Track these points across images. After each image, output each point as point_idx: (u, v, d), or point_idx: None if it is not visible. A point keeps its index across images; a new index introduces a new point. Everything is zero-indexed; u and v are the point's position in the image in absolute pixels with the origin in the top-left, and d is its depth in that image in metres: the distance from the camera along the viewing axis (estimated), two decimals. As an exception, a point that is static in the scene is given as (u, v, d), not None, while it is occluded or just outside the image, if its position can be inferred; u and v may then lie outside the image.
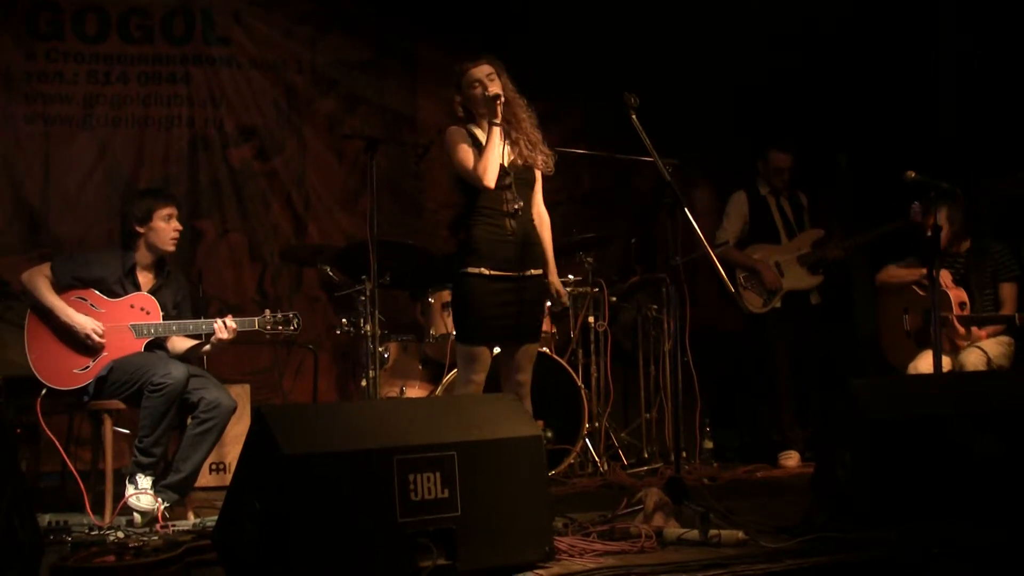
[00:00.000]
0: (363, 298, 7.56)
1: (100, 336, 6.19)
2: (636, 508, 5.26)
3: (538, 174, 5.99)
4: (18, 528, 4.06)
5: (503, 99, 5.74)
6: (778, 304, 8.31)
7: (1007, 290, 7.35)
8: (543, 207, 6.09)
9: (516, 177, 5.83)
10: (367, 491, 4.14)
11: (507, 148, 5.86)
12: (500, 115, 5.73)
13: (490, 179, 5.69)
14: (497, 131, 5.71)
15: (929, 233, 6.63)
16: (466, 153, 5.78)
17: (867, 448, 5.17)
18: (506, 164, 5.81)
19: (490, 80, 5.80)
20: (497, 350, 5.97)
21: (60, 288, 6.26)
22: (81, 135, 8.92)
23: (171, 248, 6.51)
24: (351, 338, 8.01)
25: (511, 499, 4.47)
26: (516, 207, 5.78)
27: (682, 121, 8.38)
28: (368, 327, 7.35)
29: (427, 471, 4.24)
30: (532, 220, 5.94)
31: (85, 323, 6.18)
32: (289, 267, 9.23)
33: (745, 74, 9.35)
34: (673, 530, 4.95)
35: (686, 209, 5.38)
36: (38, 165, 8.79)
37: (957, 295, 7.35)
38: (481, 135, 5.83)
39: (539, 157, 5.93)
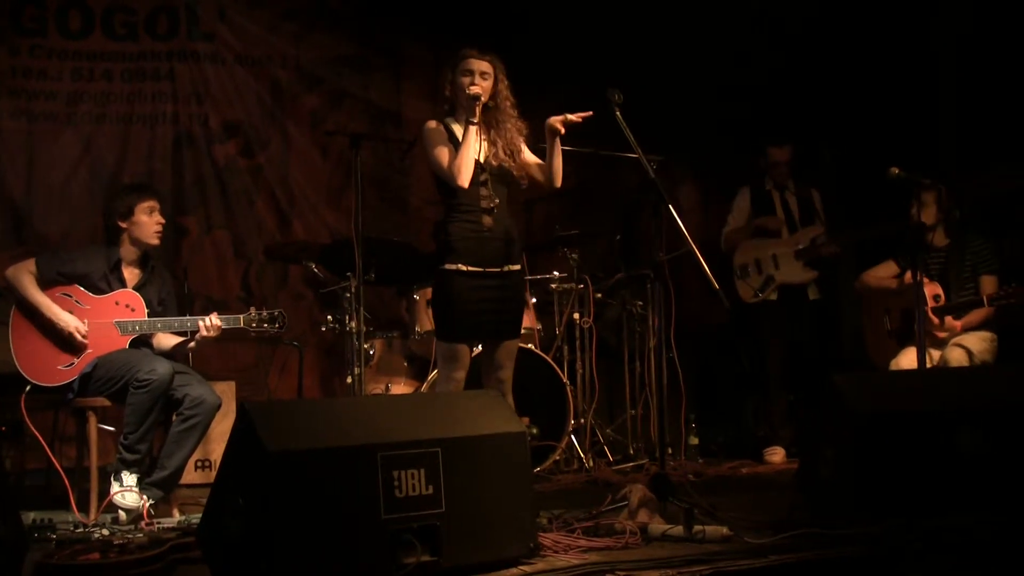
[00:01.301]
0: (348, 295, 7.54)
1: (83, 336, 6.18)
2: (621, 504, 5.27)
3: (522, 167, 5.95)
4: (1, 525, 4.04)
5: (482, 102, 5.71)
6: (774, 297, 8.33)
7: (987, 282, 7.33)
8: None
9: (491, 174, 5.81)
10: (351, 488, 4.14)
11: (485, 145, 5.84)
12: (478, 115, 5.70)
13: (464, 179, 5.67)
14: (473, 131, 5.67)
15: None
16: (442, 151, 5.76)
17: (851, 444, 5.20)
18: (482, 160, 5.79)
19: (483, 78, 5.77)
20: (478, 349, 5.97)
21: (45, 284, 6.24)
22: (65, 132, 8.89)
23: (155, 241, 6.50)
24: (336, 335, 8.01)
25: (495, 495, 4.48)
26: (492, 204, 5.77)
27: (667, 118, 8.38)
28: (353, 324, 7.34)
29: (411, 468, 4.26)
30: (510, 217, 5.91)
31: (69, 321, 6.17)
32: (274, 264, 9.21)
33: (730, 69, 9.34)
34: (658, 526, 4.96)
35: (670, 206, 5.37)
36: (22, 162, 8.76)
37: (932, 289, 7.36)
38: (458, 130, 5.81)
39: (514, 170, 5.90)
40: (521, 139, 5.94)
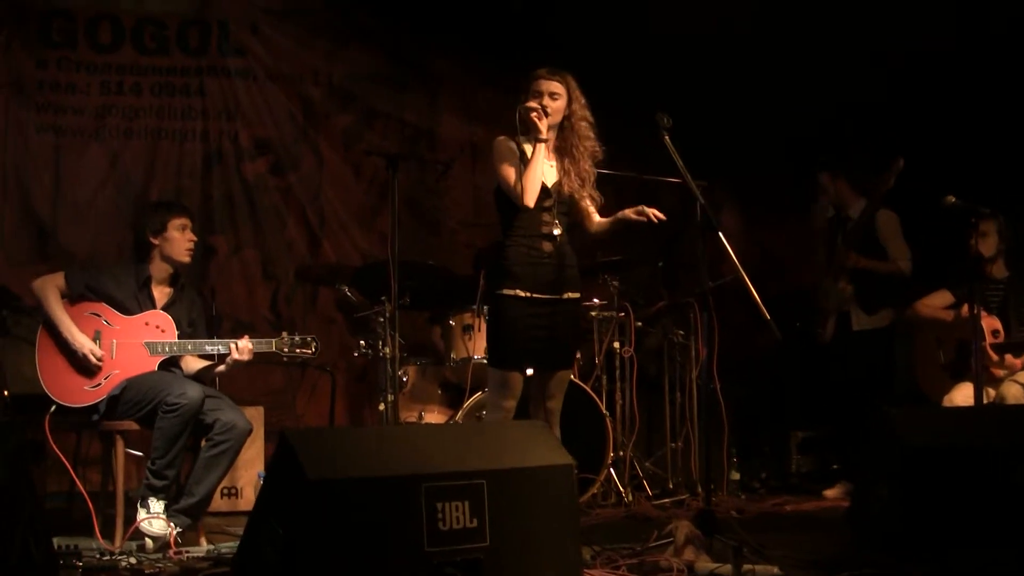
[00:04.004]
0: (381, 319, 7.39)
1: (98, 359, 6.05)
2: (666, 541, 5.19)
3: (585, 206, 5.79)
4: (34, 550, 4.07)
5: (542, 116, 5.54)
6: (831, 329, 8.16)
7: (1050, 319, 7.21)
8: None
9: (558, 201, 5.65)
10: (394, 519, 4.08)
11: (555, 172, 5.69)
12: (544, 131, 5.55)
13: (529, 198, 5.52)
14: (541, 148, 5.55)
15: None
16: (509, 168, 5.60)
17: (904, 479, 5.09)
18: (549, 186, 5.64)
19: (553, 99, 5.61)
20: (530, 372, 5.79)
21: (73, 299, 6.16)
22: (92, 146, 8.86)
23: (186, 259, 6.41)
24: (368, 360, 7.86)
25: (541, 529, 4.42)
26: (555, 231, 5.61)
27: (709, 141, 8.22)
28: (387, 349, 7.20)
29: (456, 500, 4.20)
30: (569, 243, 5.74)
31: (84, 343, 6.04)
32: (303, 286, 9.15)
33: (775, 95, 9.20)
34: (705, 564, 4.90)
35: (720, 232, 5.25)
36: (48, 175, 8.74)
37: (990, 323, 7.24)
38: (528, 149, 5.64)
39: (585, 199, 5.75)
40: (592, 169, 5.77)
